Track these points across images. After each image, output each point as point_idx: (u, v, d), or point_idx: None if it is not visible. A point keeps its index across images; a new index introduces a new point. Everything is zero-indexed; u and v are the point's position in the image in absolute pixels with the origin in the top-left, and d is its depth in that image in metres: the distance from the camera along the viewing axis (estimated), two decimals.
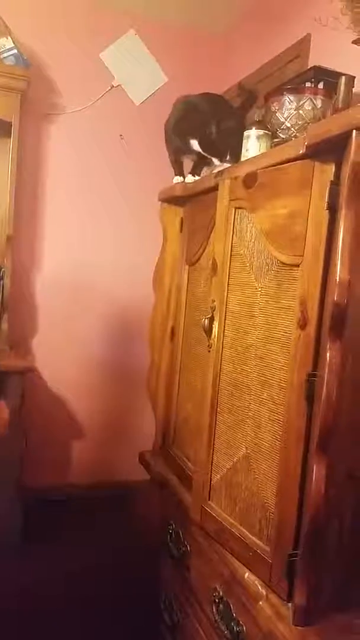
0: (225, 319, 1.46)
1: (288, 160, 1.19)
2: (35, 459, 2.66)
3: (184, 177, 1.86)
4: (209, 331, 1.52)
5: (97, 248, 2.92)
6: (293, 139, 1.31)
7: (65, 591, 2.06)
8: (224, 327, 1.47)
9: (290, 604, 1.11)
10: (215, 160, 1.69)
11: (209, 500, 1.49)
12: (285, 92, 1.34)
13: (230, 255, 1.44)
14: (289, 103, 1.32)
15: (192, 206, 1.80)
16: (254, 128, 1.45)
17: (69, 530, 2.54)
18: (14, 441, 2.34)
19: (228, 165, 1.60)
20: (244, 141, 1.47)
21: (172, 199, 1.88)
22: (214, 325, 1.50)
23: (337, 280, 1.03)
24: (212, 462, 1.50)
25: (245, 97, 1.69)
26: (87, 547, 2.39)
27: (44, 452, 2.80)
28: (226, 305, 1.46)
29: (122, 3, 2.71)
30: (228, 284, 1.45)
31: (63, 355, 2.90)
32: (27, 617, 1.86)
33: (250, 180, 1.33)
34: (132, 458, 2.16)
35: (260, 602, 1.17)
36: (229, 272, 1.45)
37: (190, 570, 1.60)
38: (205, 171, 1.81)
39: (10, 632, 1.70)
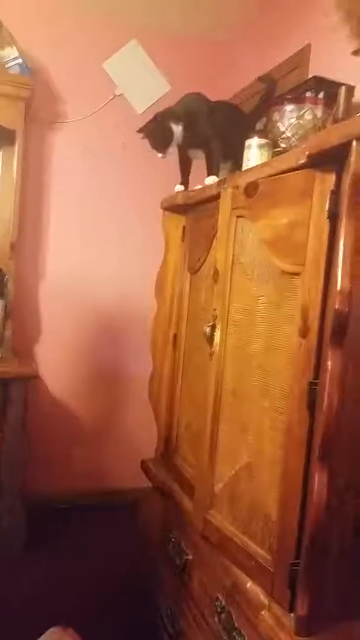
0: (227, 327, 1.47)
1: (289, 170, 1.20)
2: (38, 466, 2.66)
3: (187, 186, 1.88)
4: (210, 339, 1.52)
5: (100, 255, 2.93)
6: (294, 148, 1.32)
7: (67, 599, 2.05)
8: (226, 335, 1.47)
9: (292, 614, 1.11)
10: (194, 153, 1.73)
11: (211, 509, 1.49)
12: (285, 102, 1.35)
13: (232, 264, 1.45)
14: (290, 113, 1.33)
15: (194, 214, 1.81)
16: (255, 137, 1.46)
17: (71, 538, 2.54)
18: (18, 450, 2.34)
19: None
20: (245, 150, 1.47)
21: (174, 208, 1.89)
22: (215, 333, 1.50)
23: (339, 288, 1.04)
24: (213, 470, 1.49)
25: (267, 85, 1.70)
26: (88, 554, 2.39)
27: (47, 460, 2.80)
28: (228, 313, 1.46)
29: (124, 13, 2.73)
30: (230, 292, 1.46)
31: (66, 362, 2.91)
32: (29, 626, 1.85)
33: (251, 190, 1.34)
34: (134, 465, 2.15)
35: (263, 612, 1.17)
36: (231, 280, 1.46)
37: (192, 579, 1.59)
38: None
39: None
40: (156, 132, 1.74)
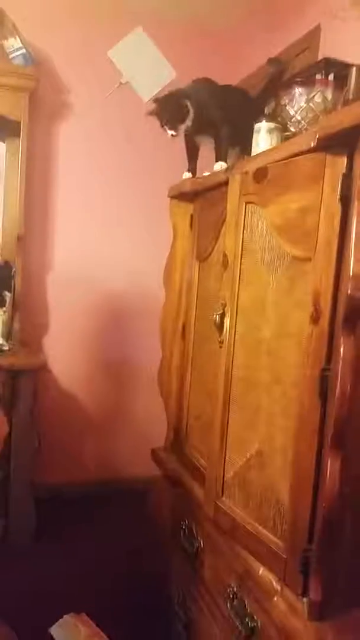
0: (236, 315, 1.46)
1: (299, 154, 1.18)
2: (48, 456, 2.67)
3: (194, 173, 1.85)
4: (220, 327, 1.51)
5: (108, 245, 2.93)
6: (304, 131, 1.30)
7: (78, 588, 2.07)
8: (235, 322, 1.46)
9: (305, 599, 1.11)
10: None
11: (222, 496, 1.49)
12: (295, 85, 1.33)
13: (242, 251, 1.44)
14: (299, 96, 1.31)
15: (202, 202, 1.79)
16: (264, 121, 1.44)
17: (82, 527, 2.55)
18: (27, 440, 2.35)
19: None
20: (254, 135, 1.46)
21: (181, 195, 1.88)
22: (225, 321, 1.50)
23: (351, 273, 1.03)
24: (224, 458, 1.49)
25: (275, 67, 1.66)
26: (98, 543, 2.40)
27: (56, 450, 2.81)
28: (237, 300, 1.45)
29: (128, 0, 2.70)
30: (239, 280, 1.45)
31: (74, 353, 2.91)
32: (41, 614, 1.87)
33: (260, 175, 1.33)
34: (144, 454, 2.16)
35: (275, 598, 1.17)
36: (240, 267, 1.44)
37: (204, 566, 1.60)
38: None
39: (23, 631, 1.71)
40: (171, 107, 1.68)
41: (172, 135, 1.71)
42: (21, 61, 2.49)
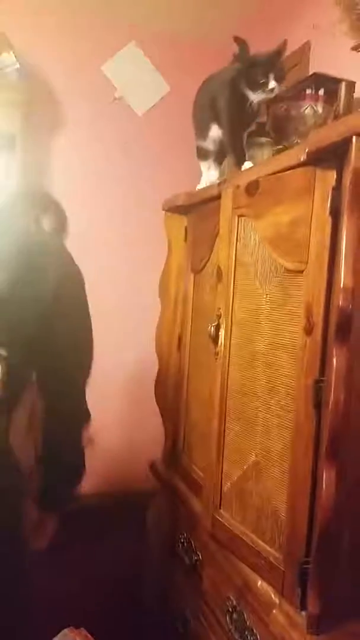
0: (231, 327, 1.47)
1: (289, 168, 1.19)
2: None
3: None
4: (215, 339, 1.52)
5: (103, 258, 2.93)
6: (294, 146, 1.31)
7: (77, 600, 2.05)
8: (230, 334, 1.47)
9: (304, 612, 1.10)
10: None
11: (219, 508, 1.49)
12: (286, 100, 1.34)
13: (235, 263, 1.45)
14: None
15: (196, 215, 1.81)
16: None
17: (79, 540, 2.53)
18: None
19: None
20: (246, 148, 1.47)
21: (175, 208, 1.89)
22: (220, 333, 1.50)
23: (342, 285, 1.03)
24: (222, 469, 1.49)
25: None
26: (98, 556, 2.39)
27: None
28: (232, 312, 1.46)
29: (123, 15, 2.73)
30: (233, 292, 1.46)
31: None
32: (38, 629, 1.86)
33: (252, 188, 1.34)
34: (142, 466, 2.15)
35: (274, 611, 1.16)
36: (234, 279, 1.45)
37: (203, 579, 1.59)
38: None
39: None
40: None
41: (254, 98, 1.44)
42: (15, 76, 2.51)
